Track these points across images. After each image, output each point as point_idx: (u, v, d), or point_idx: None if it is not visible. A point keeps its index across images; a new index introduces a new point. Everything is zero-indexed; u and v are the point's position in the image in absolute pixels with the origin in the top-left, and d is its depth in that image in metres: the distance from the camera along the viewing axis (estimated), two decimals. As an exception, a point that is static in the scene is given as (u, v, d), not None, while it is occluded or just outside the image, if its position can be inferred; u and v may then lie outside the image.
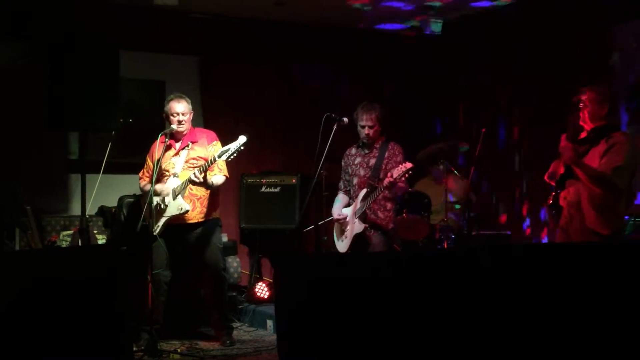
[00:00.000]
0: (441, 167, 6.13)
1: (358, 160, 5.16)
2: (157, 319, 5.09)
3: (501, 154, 7.05)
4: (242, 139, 4.86)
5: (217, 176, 5.12)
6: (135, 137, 6.14)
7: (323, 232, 5.69)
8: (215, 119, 6.85)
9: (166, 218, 5.07)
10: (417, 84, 7.99)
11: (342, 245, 5.15)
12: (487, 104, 7.16)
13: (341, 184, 5.31)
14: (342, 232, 5.18)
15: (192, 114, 5.26)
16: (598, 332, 2.55)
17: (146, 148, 5.41)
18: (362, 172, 5.10)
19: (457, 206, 6.14)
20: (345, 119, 4.91)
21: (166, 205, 5.08)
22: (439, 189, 6.18)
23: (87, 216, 5.58)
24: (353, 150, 5.24)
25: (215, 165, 5.03)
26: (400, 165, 4.79)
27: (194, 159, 5.15)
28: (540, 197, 6.37)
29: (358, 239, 5.02)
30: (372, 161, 5.08)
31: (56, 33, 5.75)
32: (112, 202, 6.12)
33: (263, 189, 6.56)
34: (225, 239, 6.04)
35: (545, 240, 6.53)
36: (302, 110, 7.37)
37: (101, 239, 6.12)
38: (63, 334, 3.11)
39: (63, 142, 6.58)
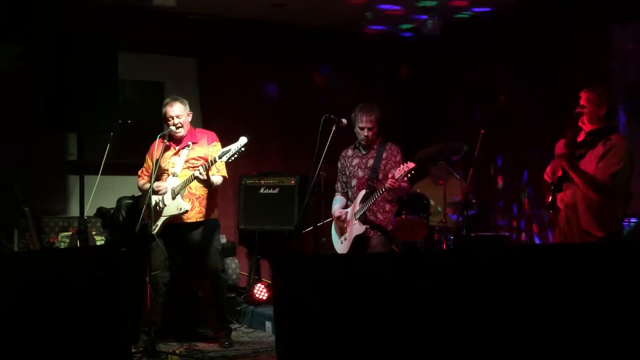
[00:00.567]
0: (440, 168, 6.14)
1: (356, 161, 5.15)
2: (156, 320, 5.09)
3: (500, 155, 7.05)
4: (243, 140, 4.86)
5: (216, 176, 5.13)
6: (134, 138, 6.15)
7: (322, 233, 5.69)
8: (214, 119, 6.85)
9: (165, 218, 5.07)
10: (415, 85, 8.00)
11: (341, 247, 5.14)
12: (485, 105, 7.16)
13: (338, 186, 5.29)
14: (341, 233, 5.17)
15: (190, 115, 5.25)
16: (596, 331, 2.56)
17: (145, 149, 5.41)
18: (360, 174, 5.09)
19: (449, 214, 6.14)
20: (344, 120, 4.91)
21: (165, 205, 5.08)
22: (438, 190, 6.19)
23: (86, 217, 5.57)
24: (350, 152, 5.23)
25: (213, 166, 5.02)
26: (402, 165, 4.77)
27: (193, 159, 5.15)
28: (539, 198, 6.38)
29: (358, 240, 5.01)
30: (371, 162, 5.06)
31: (54, 34, 5.75)
32: (111, 204, 6.11)
33: (262, 190, 6.56)
34: (224, 240, 6.04)
35: (543, 241, 6.53)
36: (300, 112, 7.38)
37: (100, 240, 6.12)
38: (61, 336, 3.10)
39: (61, 143, 6.58)
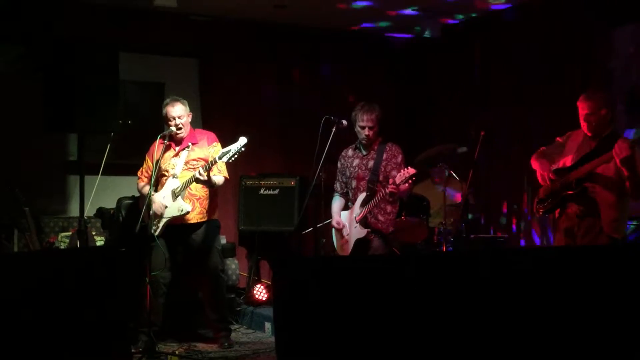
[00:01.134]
0: (440, 170, 6.14)
1: (356, 162, 5.14)
2: (156, 321, 5.08)
3: (500, 157, 7.05)
4: (243, 140, 4.86)
5: (217, 176, 5.12)
6: (134, 139, 6.14)
7: (322, 234, 5.68)
8: (214, 120, 6.85)
9: (166, 219, 5.07)
10: (415, 85, 8.00)
11: (343, 250, 5.14)
12: (485, 107, 7.16)
13: (337, 186, 5.28)
14: (342, 236, 5.17)
15: (190, 115, 5.25)
16: (597, 334, 2.55)
17: (145, 150, 5.41)
18: (361, 175, 5.09)
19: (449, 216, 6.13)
20: (344, 121, 4.91)
21: (166, 207, 5.08)
22: (438, 191, 6.19)
23: (86, 217, 5.57)
24: (350, 152, 5.22)
25: (214, 166, 5.02)
26: (402, 171, 4.76)
27: (194, 160, 5.15)
28: (533, 198, 6.37)
29: (359, 243, 5.01)
30: (371, 163, 5.05)
31: (55, 35, 5.76)
32: (111, 204, 6.11)
33: (262, 191, 6.56)
34: (223, 240, 6.04)
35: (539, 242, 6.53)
36: (301, 113, 7.38)
37: (99, 241, 6.12)
38: (61, 336, 3.10)
39: (62, 144, 6.58)
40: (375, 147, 5.09)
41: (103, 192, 6.08)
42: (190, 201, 5.09)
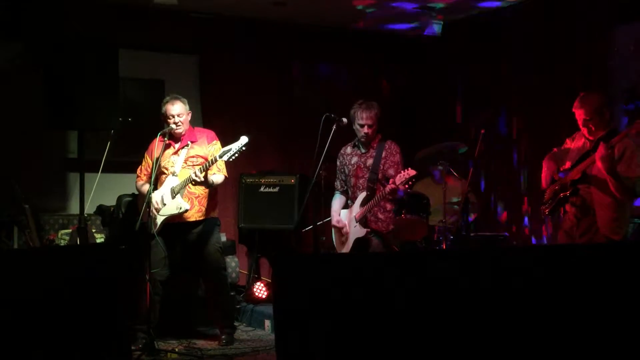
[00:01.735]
0: (440, 168, 6.13)
1: (355, 160, 5.14)
2: (152, 318, 5.08)
3: (500, 156, 7.05)
4: (244, 139, 4.85)
5: (216, 175, 5.12)
6: (134, 136, 6.14)
7: (322, 232, 5.69)
8: (214, 118, 6.85)
9: (165, 217, 5.07)
10: (415, 84, 8.00)
11: (342, 249, 5.14)
12: (486, 105, 7.16)
13: (337, 184, 5.28)
14: (341, 235, 5.17)
15: (189, 114, 5.24)
16: (598, 333, 2.55)
17: (145, 147, 5.40)
18: (359, 173, 5.08)
19: (455, 205, 6.14)
20: (344, 119, 4.90)
21: (164, 204, 5.07)
22: (438, 189, 6.18)
23: (86, 215, 5.58)
24: (349, 149, 5.22)
25: (214, 165, 5.02)
26: (402, 172, 4.76)
27: (193, 157, 5.15)
28: (540, 198, 6.37)
29: (358, 242, 5.01)
30: (370, 161, 5.05)
31: (55, 32, 5.76)
32: (111, 201, 6.11)
33: (262, 189, 6.55)
34: (223, 238, 6.04)
35: (544, 241, 6.53)
36: (301, 110, 7.38)
37: (99, 238, 6.12)
38: (61, 333, 3.10)
39: (62, 141, 6.58)
40: (374, 145, 5.09)
41: (103, 190, 6.08)
42: (189, 199, 5.09)
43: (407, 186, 4.79)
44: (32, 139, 6.17)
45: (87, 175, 5.57)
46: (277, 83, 7.50)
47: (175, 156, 5.17)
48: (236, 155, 4.85)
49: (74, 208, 6.25)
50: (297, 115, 7.40)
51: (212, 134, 5.31)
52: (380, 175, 5.00)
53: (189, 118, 5.24)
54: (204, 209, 5.18)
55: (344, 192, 5.25)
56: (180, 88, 5.85)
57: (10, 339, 2.97)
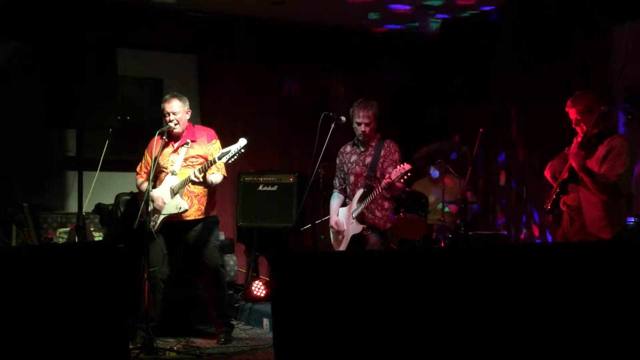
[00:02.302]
0: (438, 167, 6.14)
1: (354, 158, 5.15)
2: (154, 317, 5.09)
3: (498, 154, 7.06)
4: (243, 141, 4.83)
5: (215, 175, 5.11)
6: (133, 135, 6.14)
7: (320, 231, 5.69)
8: (213, 117, 6.85)
9: (164, 216, 5.07)
10: (413, 83, 8.01)
11: (339, 246, 5.14)
12: (484, 104, 7.16)
13: (336, 182, 5.29)
14: (339, 232, 5.17)
15: (189, 112, 5.24)
16: (595, 332, 2.56)
17: (143, 146, 5.40)
18: (358, 171, 5.09)
19: (447, 209, 6.13)
20: (343, 118, 4.91)
21: (164, 203, 5.07)
22: (437, 188, 6.19)
23: (84, 213, 5.57)
24: (348, 148, 5.23)
25: (213, 165, 5.02)
26: (398, 167, 4.78)
27: (193, 157, 5.14)
28: (537, 197, 6.38)
29: (355, 239, 5.02)
30: (369, 159, 5.06)
31: (54, 31, 5.75)
32: (109, 200, 6.11)
33: (260, 188, 6.55)
34: (222, 237, 6.04)
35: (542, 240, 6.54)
36: (299, 109, 7.38)
37: (98, 237, 6.12)
38: (59, 331, 3.10)
39: (60, 140, 6.58)
40: (373, 144, 5.10)
41: (101, 188, 6.08)
42: (189, 198, 5.09)
43: (403, 183, 4.80)
44: (30, 138, 6.17)
45: (86, 174, 5.57)
46: (276, 82, 7.50)
47: (175, 155, 5.17)
48: (235, 157, 4.84)
49: (73, 206, 6.25)
50: (295, 114, 7.41)
51: (212, 132, 5.31)
52: (378, 174, 5.01)
53: (188, 116, 5.23)
54: (203, 207, 5.18)
55: (342, 191, 5.25)
56: (178, 87, 5.85)
57: (7, 338, 2.96)
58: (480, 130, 5.55)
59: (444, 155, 6.07)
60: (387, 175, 4.82)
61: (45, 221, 6.24)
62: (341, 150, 5.25)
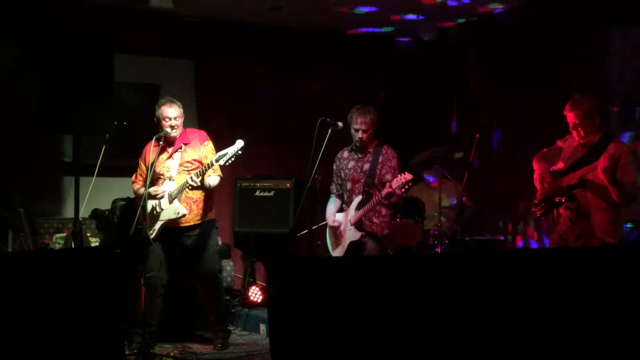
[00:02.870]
0: (435, 172, 6.14)
1: (351, 164, 5.15)
2: (153, 322, 5.08)
3: (495, 160, 7.06)
4: (240, 143, 4.84)
5: (212, 177, 5.10)
6: (130, 140, 6.12)
7: (317, 236, 5.68)
8: (210, 122, 6.85)
9: (162, 222, 5.06)
10: (411, 88, 8.01)
11: (336, 252, 5.14)
12: (480, 110, 7.17)
13: (333, 187, 5.29)
14: (336, 238, 5.17)
15: (183, 117, 5.24)
16: (594, 338, 2.56)
17: (139, 151, 5.39)
18: (355, 177, 5.09)
19: (444, 218, 6.13)
20: (340, 124, 4.91)
21: (162, 209, 5.06)
22: (433, 194, 6.19)
23: (81, 219, 5.56)
24: (345, 154, 5.22)
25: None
26: (399, 176, 4.76)
27: (188, 162, 5.14)
28: (531, 200, 6.38)
29: (353, 245, 5.01)
30: (366, 166, 5.06)
31: (51, 36, 5.74)
32: (106, 205, 6.10)
33: (257, 193, 6.55)
34: (219, 242, 6.04)
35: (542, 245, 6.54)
36: (296, 114, 7.38)
37: (94, 242, 6.11)
38: (55, 337, 3.09)
39: (57, 145, 6.57)
40: (371, 150, 5.09)
41: (98, 194, 6.06)
42: (187, 204, 5.08)
43: (403, 190, 4.80)
44: (27, 143, 6.15)
45: (82, 179, 5.56)
46: (273, 87, 7.50)
47: (170, 160, 5.16)
48: (232, 159, 4.84)
49: (69, 212, 6.24)
50: (292, 120, 7.41)
51: (203, 134, 5.30)
52: (376, 180, 5.01)
53: (183, 121, 5.23)
54: (201, 212, 5.17)
55: (340, 196, 5.25)
56: (175, 92, 5.84)
57: (2, 344, 2.95)
58: (477, 135, 5.56)
59: (440, 160, 6.07)
60: (387, 185, 4.81)
61: (41, 227, 6.23)
62: (338, 155, 5.25)
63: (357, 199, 5.03)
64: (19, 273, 3.12)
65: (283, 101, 7.52)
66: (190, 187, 4.97)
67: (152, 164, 5.00)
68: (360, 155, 5.12)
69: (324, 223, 5.37)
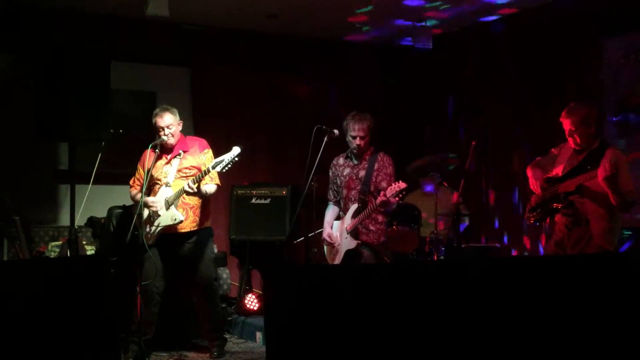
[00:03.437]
0: (431, 179, 6.14)
1: (347, 171, 5.15)
2: (148, 330, 5.06)
3: (491, 167, 7.07)
4: (236, 150, 4.85)
5: (209, 185, 5.11)
6: (126, 148, 6.14)
7: (313, 244, 5.68)
8: (206, 130, 6.83)
9: (159, 228, 5.05)
10: (406, 96, 8.03)
11: (333, 260, 5.13)
12: (477, 117, 7.19)
13: (330, 194, 5.28)
14: (332, 247, 5.16)
15: (180, 124, 5.23)
16: (590, 347, 2.56)
17: (136, 159, 5.39)
18: (351, 184, 5.09)
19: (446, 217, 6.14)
20: (336, 131, 4.91)
21: (159, 215, 5.06)
22: (429, 201, 6.19)
23: (76, 227, 5.56)
24: (341, 160, 5.22)
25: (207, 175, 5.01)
26: (393, 184, 4.76)
27: (186, 168, 5.14)
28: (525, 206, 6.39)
29: (349, 254, 5.01)
30: (362, 173, 5.06)
31: (47, 44, 5.75)
32: (102, 213, 6.09)
33: (253, 201, 6.55)
34: (215, 250, 6.03)
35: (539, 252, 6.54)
36: (292, 122, 7.39)
37: (90, 250, 6.10)
38: (50, 345, 3.08)
39: (53, 153, 6.56)
40: (367, 157, 5.09)
41: (94, 202, 6.06)
42: (184, 210, 5.08)
43: (397, 198, 4.80)
44: (22, 151, 6.15)
45: (78, 187, 5.56)
46: (269, 95, 7.51)
47: (168, 166, 5.16)
48: (229, 166, 4.85)
49: (65, 220, 6.23)
50: (288, 127, 7.42)
51: (203, 142, 5.30)
52: (372, 187, 5.01)
53: (180, 128, 5.23)
54: (198, 219, 5.17)
55: (337, 203, 5.25)
56: (172, 100, 5.85)
57: (-1, 352, 2.94)
58: (473, 142, 5.57)
59: (436, 167, 6.07)
60: (382, 193, 4.81)
61: (37, 235, 6.22)
62: (334, 162, 5.25)
63: (353, 207, 5.03)
64: (14, 281, 3.11)
65: (279, 109, 7.53)
66: (187, 194, 4.97)
67: (149, 171, 5.00)
68: (355, 162, 5.12)
69: (320, 230, 5.37)
